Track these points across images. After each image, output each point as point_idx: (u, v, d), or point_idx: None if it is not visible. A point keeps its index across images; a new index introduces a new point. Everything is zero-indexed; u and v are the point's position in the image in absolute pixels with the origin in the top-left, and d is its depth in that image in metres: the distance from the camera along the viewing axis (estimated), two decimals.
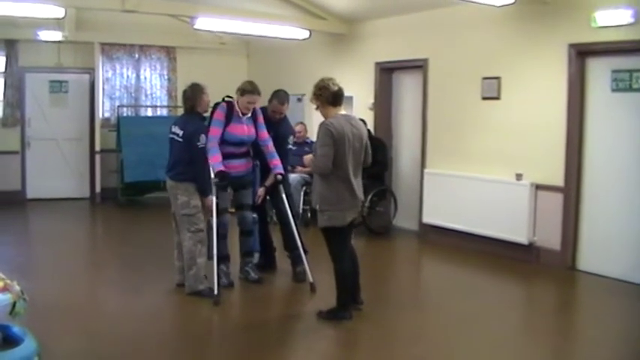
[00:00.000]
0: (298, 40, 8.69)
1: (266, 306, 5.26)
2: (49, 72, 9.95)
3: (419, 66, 7.62)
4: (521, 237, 6.34)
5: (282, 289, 5.79)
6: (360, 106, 8.24)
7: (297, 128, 8.12)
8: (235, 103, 5.39)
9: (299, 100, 9.25)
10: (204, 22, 7.86)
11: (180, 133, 5.20)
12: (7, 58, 9.62)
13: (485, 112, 6.80)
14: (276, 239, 6.05)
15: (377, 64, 8.21)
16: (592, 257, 5.98)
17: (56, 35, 9.02)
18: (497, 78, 6.63)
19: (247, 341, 4.37)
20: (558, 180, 6.10)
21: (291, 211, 5.66)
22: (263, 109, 5.70)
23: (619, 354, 4.22)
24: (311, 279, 5.41)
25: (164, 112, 10.74)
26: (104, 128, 10.14)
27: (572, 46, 5.91)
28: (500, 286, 5.96)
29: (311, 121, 8.74)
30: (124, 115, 10.32)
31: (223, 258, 5.46)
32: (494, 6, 6.14)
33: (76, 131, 10.22)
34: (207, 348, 4.35)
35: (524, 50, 6.37)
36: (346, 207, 4.52)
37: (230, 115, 5.33)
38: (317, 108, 4.64)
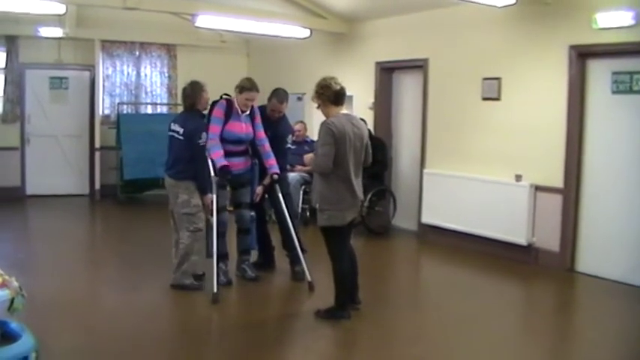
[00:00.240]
0: (299, 39, 8.69)
1: (264, 304, 5.26)
2: (50, 68, 9.94)
3: (419, 66, 7.62)
4: (520, 238, 6.35)
5: (280, 288, 5.78)
6: (360, 106, 8.24)
7: (297, 127, 8.12)
8: (234, 100, 5.39)
9: (299, 99, 9.25)
10: (205, 20, 7.86)
11: (181, 130, 5.20)
12: (7, 54, 9.61)
13: (486, 113, 6.80)
14: (276, 238, 6.05)
15: (377, 63, 8.21)
16: (591, 259, 5.98)
17: (57, 32, 9.02)
18: (498, 79, 6.63)
19: (245, 340, 4.37)
20: (558, 181, 6.10)
21: (289, 211, 5.67)
22: (262, 107, 5.70)
23: (617, 356, 4.22)
24: (309, 278, 5.41)
25: (164, 109, 10.73)
26: (104, 125, 10.13)
27: (572, 47, 5.91)
28: (499, 287, 5.96)
29: (311, 120, 8.74)
30: (124, 112, 10.31)
31: (222, 256, 5.47)
32: (495, 6, 6.14)
33: (76, 128, 10.22)
34: (205, 346, 4.35)
35: (525, 51, 6.36)
36: (346, 207, 4.52)
37: (229, 112, 5.34)
38: (318, 107, 4.63)
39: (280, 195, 5.60)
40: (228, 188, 5.48)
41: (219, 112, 5.32)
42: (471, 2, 6.15)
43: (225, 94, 5.47)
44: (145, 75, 10.57)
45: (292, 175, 7.68)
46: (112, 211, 9.45)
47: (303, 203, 7.99)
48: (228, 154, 5.32)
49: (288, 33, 8.48)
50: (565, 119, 6.01)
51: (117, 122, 9.88)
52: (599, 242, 5.90)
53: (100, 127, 10.03)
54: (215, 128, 5.27)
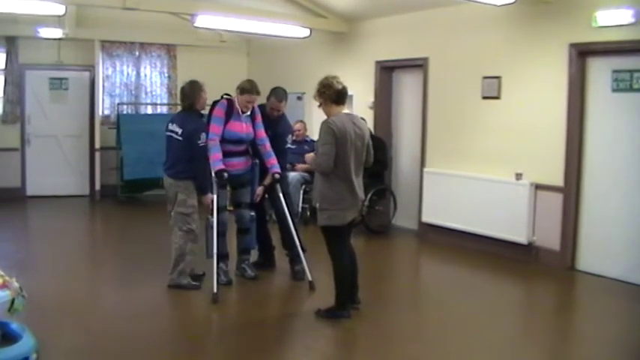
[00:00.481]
0: (299, 38, 8.68)
1: (264, 304, 5.26)
2: (49, 69, 9.94)
3: (419, 65, 7.61)
4: (520, 237, 6.34)
5: (280, 288, 5.78)
6: (360, 105, 8.24)
7: (297, 127, 8.12)
8: (235, 100, 5.39)
9: (299, 98, 9.24)
10: (205, 20, 7.85)
11: (179, 131, 5.19)
12: (7, 55, 9.61)
13: (486, 112, 6.80)
14: (276, 238, 6.05)
15: (377, 62, 8.21)
16: (591, 257, 5.97)
17: (56, 32, 9.01)
18: (498, 77, 6.63)
19: (245, 339, 4.36)
20: (558, 180, 6.10)
21: (289, 210, 5.67)
22: (261, 106, 5.70)
23: (618, 354, 4.22)
24: (310, 277, 5.41)
25: (164, 109, 10.72)
26: (104, 126, 10.13)
27: (572, 45, 5.90)
28: (499, 286, 5.96)
29: (311, 119, 8.74)
30: (124, 112, 10.31)
31: (222, 256, 5.47)
32: (494, 5, 6.13)
33: (76, 128, 10.21)
34: (206, 346, 4.35)
35: (525, 50, 6.36)
36: (346, 206, 4.52)
37: (230, 112, 5.34)
38: (320, 105, 4.63)
39: (281, 194, 5.60)
40: (228, 188, 5.48)
41: (219, 112, 5.32)
42: (471, 1, 6.15)
43: (226, 94, 5.47)
44: (145, 75, 10.57)
45: (292, 175, 7.68)
46: (112, 211, 9.46)
47: (303, 203, 7.99)
48: (228, 154, 5.32)
49: (288, 32, 8.48)
50: (565, 117, 6.01)
51: (117, 122, 9.88)
52: (599, 240, 5.89)
53: (100, 127, 10.03)
54: (216, 128, 5.27)
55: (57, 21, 8.76)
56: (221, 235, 5.41)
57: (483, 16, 6.69)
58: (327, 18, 8.54)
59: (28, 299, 3.51)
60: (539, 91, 6.25)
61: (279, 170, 5.50)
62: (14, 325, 3.63)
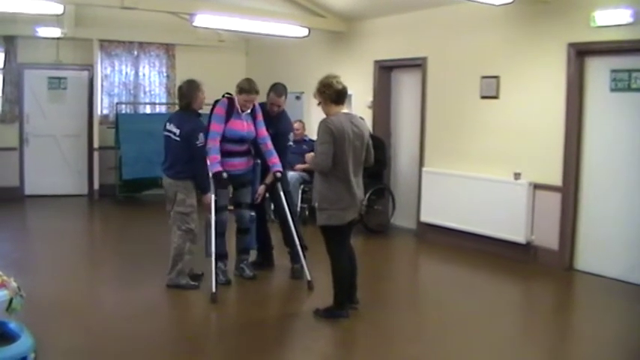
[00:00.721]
0: (297, 38, 8.68)
1: (263, 304, 5.26)
2: (48, 68, 9.93)
3: (418, 64, 7.61)
4: (519, 236, 6.34)
5: (279, 287, 5.78)
6: (359, 105, 8.24)
7: (295, 126, 8.08)
8: (236, 99, 5.40)
9: (297, 98, 9.24)
10: (203, 20, 7.85)
11: (177, 131, 5.19)
12: (5, 55, 9.61)
13: (484, 111, 6.80)
14: (276, 237, 6.05)
15: (376, 62, 8.21)
16: (590, 257, 5.98)
17: (55, 32, 9.00)
18: (496, 77, 6.63)
19: (244, 339, 4.36)
20: (556, 179, 6.10)
21: (290, 209, 5.67)
22: (262, 104, 5.71)
23: (617, 354, 4.22)
24: (309, 277, 5.41)
25: (163, 109, 10.71)
26: (103, 125, 10.12)
27: (571, 45, 5.91)
28: (498, 286, 5.96)
29: (309, 119, 8.74)
30: (123, 112, 10.30)
31: (221, 256, 5.48)
32: (493, 5, 6.14)
33: (75, 128, 10.20)
34: (205, 346, 4.35)
35: (524, 49, 6.36)
36: (345, 206, 4.52)
37: (230, 111, 5.34)
38: (319, 104, 4.63)
39: (282, 192, 5.59)
40: (230, 187, 5.48)
41: (220, 110, 5.32)
42: (470, 1, 6.15)
43: (227, 93, 5.47)
44: (144, 75, 10.56)
45: (291, 174, 7.68)
46: (111, 210, 9.45)
47: (301, 202, 7.99)
48: (230, 154, 5.33)
49: (287, 32, 8.48)
50: (564, 117, 6.01)
51: (115, 122, 9.87)
52: (598, 240, 5.90)
53: (99, 126, 10.01)
54: (216, 126, 5.27)
55: (55, 20, 8.76)
56: (220, 234, 5.42)
57: (482, 16, 6.69)
58: (326, 17, 8.53)
59: (27, 299, 3.51)
60: (537, 91, 6.26)
61: (280, 169, 5.49)
62: (12, 325, 3.63)
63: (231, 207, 5.59)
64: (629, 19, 5.42)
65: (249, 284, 5.58)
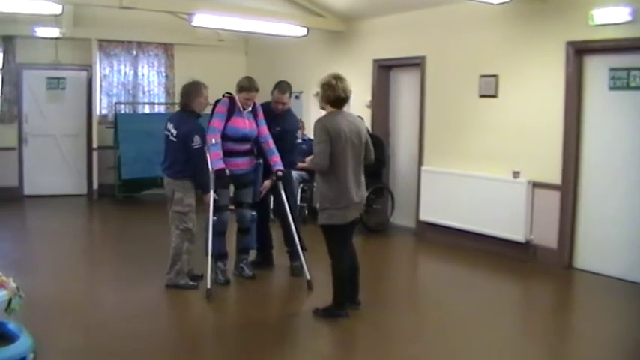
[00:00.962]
0: (296, 37, 8.68)
1: (263, 303, 5.25)
2: (47, 68, 9.93)
3: (417, 63, 7.61)
4: (518, 235, 6.35)
5: (278, 287, 5.79)
6: (358, 104, 8.23)
7: None
8: (236, 98, 5.40)
9: (296, 97, 9.22)
10: (202, 19, 7.84)
11: (175, 132, 5.20)
12: (4, 55, 9.61)
13: (483, 110, 6.80)
14: (276, 237, 6.06)
15: (375, 61, 8.21)
16: (589, 255, 5.98)
17: (54, 32, 9.00)
18: (495, 76, 6.63)
19: (243, 339, 4.36)
20: (555, 178, 6.11)
21: (291, 208, 5.67)
22: (267, 103, 5.72)
23: (616, 352, 4.22)
24: (308, 276, 5.41)
25: (162, 109, 10.71)
26: (102, 125, 10.12)
27: (569, 44, 5.91)
28: (497, 285, 5.96)
29: (309, 118, 8.74)
30: (122, 112, 10.30)
31: (221, 255, 5.48)
32: (491, 4, 6.14)
33: (74, 128, 10.20)
34: (204, 345, 4.35)
35: (522, 48, 6.36)
36: (346, 205, 4.51)
37: (232, 109, 5.35)
38: (316, 94, 4.62)
39: (283, 192, 5.59)
40: (231, 186, 5.47)
41: (221, 108, 5.34)
42: (469, 0, 6.16)
43: (228, 93, 5.47)
44: (143, 74, 10.56)
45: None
46: (110, 210, 9.45)
47: (300, 202, 7.99)
48: (232, 154, 5.33)
49: (286, 31, 8.47)
50: (562, 115, 6.01)
51: (114, 122, 9.87)
52: (597, 239, 5.90)
53: (98, 126, 10.01)
54: (217, 123, 5.28)
55: (54, 20, 8.75)
56: (221, 234, 5.42)
57: (480, 15, 6.69)
58: (325, 17, 8.53)
59: (26, 299, 3.52)
60: (536, 90, 6.26)
61: (282, 168, 5.49)
62: (12, 325, 3.63)
63: (232, 207, 5.60)
64: (628, 18, 5.42)
65: (249, 284, 5.58)
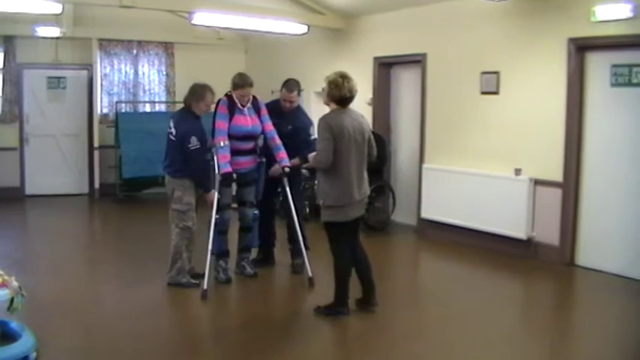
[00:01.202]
0: (296, 35, 8.67)
1: (264, 301, 5.25)
2: (47, 68, 9.92)
3: (417, 61, 7.60)
4: (519, 232, 6.34)
5: (280, 285, 5.79)
6: (359, 101, 8.13)
7: None
8: (233, 96, 5.40)
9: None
10: (202, 18, 7.83)
11: (174, 132, 5.22)
12: (4, 55, 9.61)
13: (484, 107, 6.79)
14: (278, 235, 6.05)
15: (375, 59, 8.20)
16: (591, 253, 5.97)
17: (54, 31, 9.00)
18: (496, 73, 6.62)
19: (245, 337, 4.37)
20: (557, 175, 6.10)
21: (296, 206, 5.66)
22: (275, 101, 5.72)
23: (617, 349, 4.21)
24: (310, 274, 5.40)
25: (162, 108, 10.71)
26: (102, 124, 10.12)
27: (571, 40, 5.89)
28: (499, 282, 5.96)
29: (309, 115, 8.67)
30: (123, 111, 10.30)
31: (223, 254, 5.48)
32: (492, 0, 6.12)
33: (75, 127, 10.20)
34: (205, 344, 4.35)
35: (524, 45, 6.35)
36: (349, 202, 4.51)
37: (232, 108, 5.35)
38: (322, 90, 4.63)
39: (288, 189, 5.58)
40: (234, 185, 5.48)
41: (222, 109, 5.34)
42: None
43: (229, 92, 5.46)
44: (143, 73, 10.55)
45: None
46: (111, 209, 9.45)
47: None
48: (235, 152, 5.33)
49: (286, 29, 8.47)
50: (564, 112, 6.00)
51: (115, 121, 9.86)
52: (598, 236, 5.89)
53: (99, 126, 10.02)
54: (221, 124, 5.28)
55: (54, 20, 8.76)
56: (223, 232, 5.43)
57: (481, 12, 6.68)
58: (325, 14, 8.52)
59: (28, 298, 3.52)
60: (537, 86, 6.25)
61: (288, 164, 5.49)
62: (14, 324, 3.64)
63: (234, 205, 5.60)
64: (629, 14, 5.40)
65: (250, 282, 5.58)
